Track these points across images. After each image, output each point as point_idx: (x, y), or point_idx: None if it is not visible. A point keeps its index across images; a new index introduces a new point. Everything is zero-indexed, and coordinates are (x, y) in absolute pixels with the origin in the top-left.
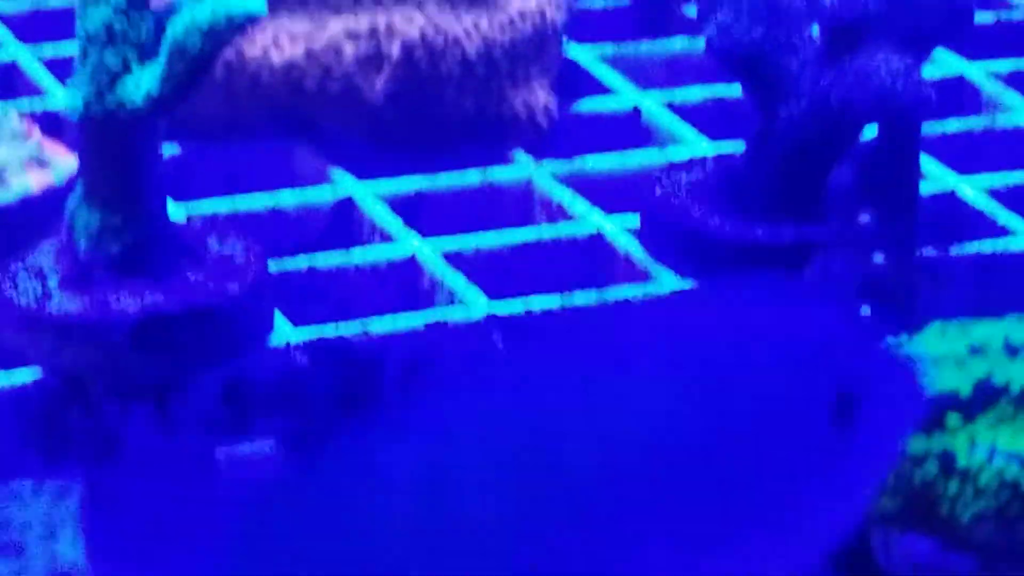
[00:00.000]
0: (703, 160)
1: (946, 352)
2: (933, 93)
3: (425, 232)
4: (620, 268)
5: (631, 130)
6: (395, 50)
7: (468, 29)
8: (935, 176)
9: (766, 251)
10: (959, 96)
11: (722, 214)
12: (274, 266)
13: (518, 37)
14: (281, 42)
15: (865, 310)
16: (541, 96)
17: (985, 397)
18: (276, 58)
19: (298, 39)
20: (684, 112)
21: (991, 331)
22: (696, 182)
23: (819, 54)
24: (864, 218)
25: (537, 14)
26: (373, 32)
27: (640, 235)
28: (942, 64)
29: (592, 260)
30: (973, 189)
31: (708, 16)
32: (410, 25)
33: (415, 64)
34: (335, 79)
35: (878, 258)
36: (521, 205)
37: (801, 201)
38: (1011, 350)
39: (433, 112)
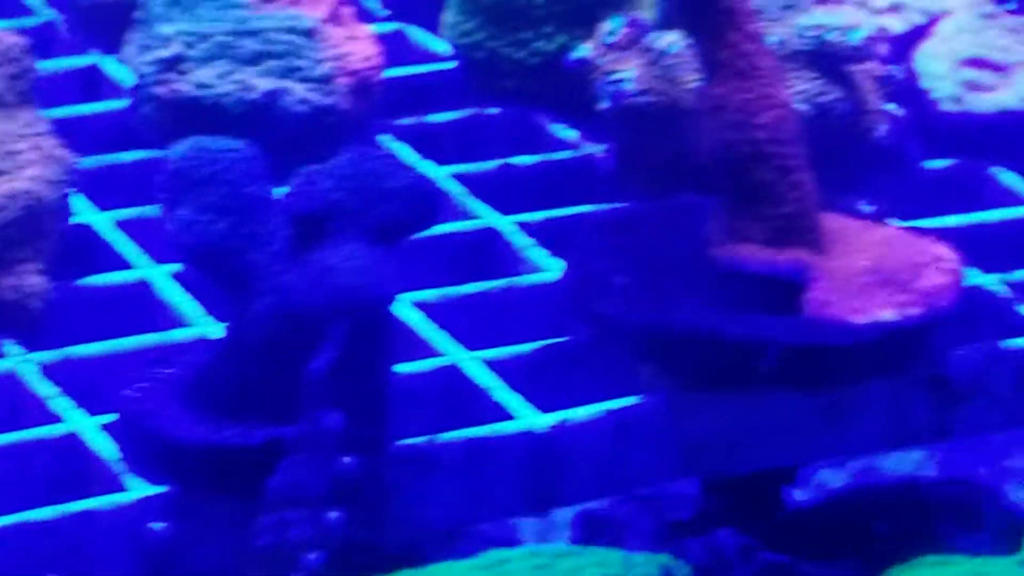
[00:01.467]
0: (188, 350)
1: None
2: (397, 288)
3: None
4: (94, 474)
5: (143, 305)
6: None
7: None
8: (449, 352)
9: (238, 455)
10: (491, 250)
11: (197, 414)
12: None
13: (6, 220)
14: None
15: (333, 514)
16: (33, 280)
17: None
18: None
19: None
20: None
21: None
22: (176, 378)
23: (286, 247)
24: (332, 417)
25: (26, 195)
26: None
27: (116, 436)
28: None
29: (69, 464)
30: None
31: (171, 209)
32: None
33: None
34: None
35: (346, 459)
36: (10, 400)
37: (274, 400)
38: None
39: None
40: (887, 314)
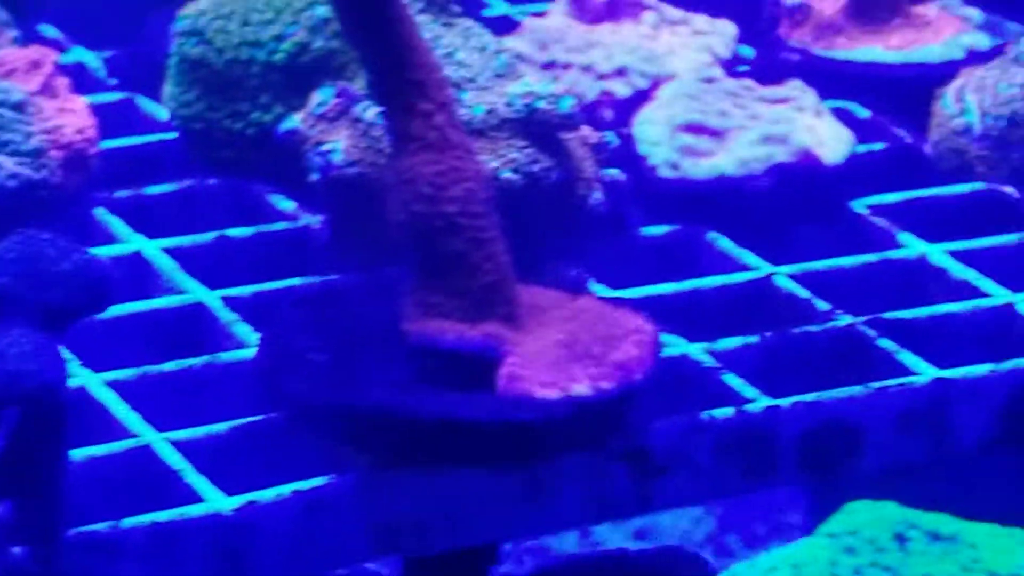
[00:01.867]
0: None
1: None
2: (66, 371)
3: None
4: None
5: None
6: None
7: None
8: (141, 433)
9: None
10: (198, 326)
11: None
12: None
13: None
14: None
15: None
16: None
17: None
18: None
19: None
20: None
21: None
22: None
23: None
24: (1, 507)
25: None
26: None
27: None
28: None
29: None
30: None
31: None
32: None
33: None
34: None
35: (15, 549)
36: None
37: None
38: None
39: None
40: (579, 388)
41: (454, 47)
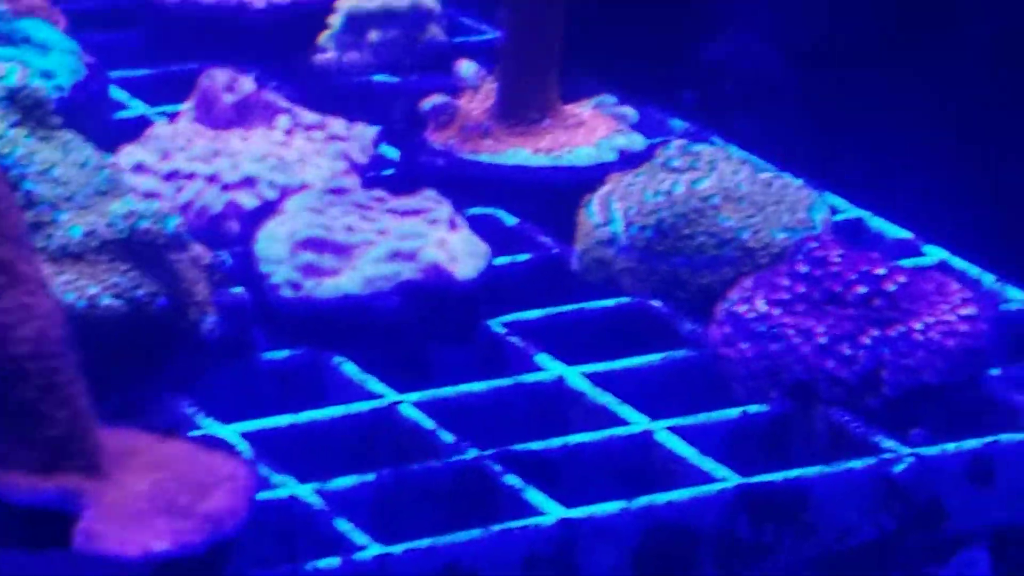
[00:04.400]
0: None
1: None
2: None
3: None
4: None
5: None
6: None
7: None
8: None
9: None
10: None
11: None
12: None
13: None
14: None
15: None
16: None
17: None
18: None
19: None
20: None
21: None
22: None
23: None
24: None
25: None
26: None
27: None
28: None
29: None
30: None
31: None
32: None
33: None
34: None
35: None
36: None
37: None
38: None
39: None
40: (161, 545)
41: (51, 163)
